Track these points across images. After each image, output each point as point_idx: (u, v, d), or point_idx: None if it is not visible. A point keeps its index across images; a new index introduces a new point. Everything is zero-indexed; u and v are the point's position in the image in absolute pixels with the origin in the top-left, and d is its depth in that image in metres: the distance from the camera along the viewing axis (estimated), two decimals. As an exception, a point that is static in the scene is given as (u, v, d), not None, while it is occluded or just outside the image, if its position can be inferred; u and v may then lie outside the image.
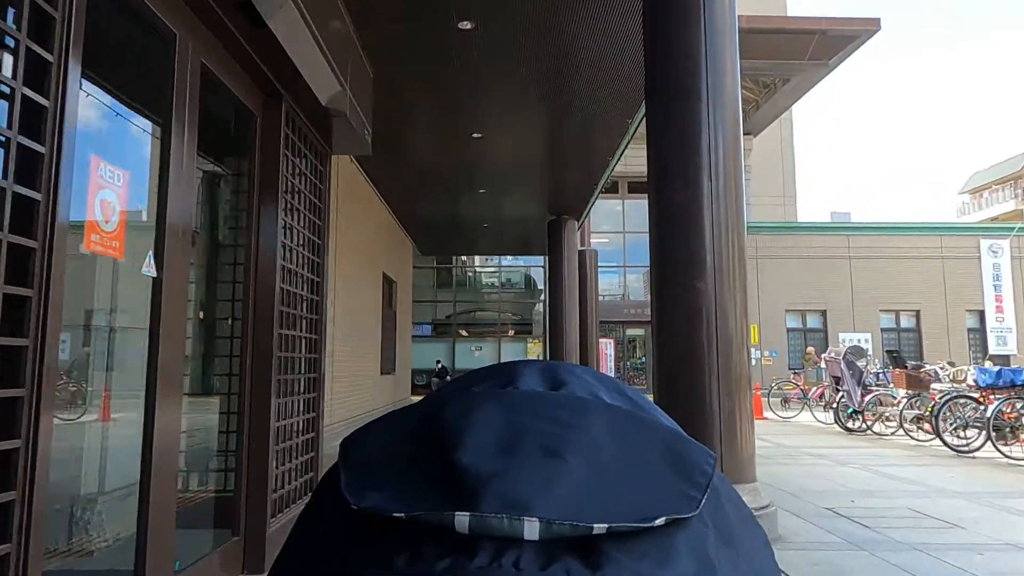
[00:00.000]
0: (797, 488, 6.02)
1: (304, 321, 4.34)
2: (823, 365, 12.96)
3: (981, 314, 20.87)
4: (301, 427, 4.29)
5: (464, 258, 24.18)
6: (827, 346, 20.64)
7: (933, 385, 9.32)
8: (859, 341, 20.79)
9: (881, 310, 20.88)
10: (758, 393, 13.12)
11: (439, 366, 21.49)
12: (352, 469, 0.28)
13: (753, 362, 21.37)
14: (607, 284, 23.52)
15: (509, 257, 24.33)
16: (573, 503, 0.25)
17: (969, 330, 20.93)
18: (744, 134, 19.91)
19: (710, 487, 0.28)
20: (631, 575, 0.24)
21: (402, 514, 0.25)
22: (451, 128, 8.56)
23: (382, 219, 12.11)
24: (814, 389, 12.88)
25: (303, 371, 4.31)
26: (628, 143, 10.22)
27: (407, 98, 7.46)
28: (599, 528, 0.24)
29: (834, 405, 10.88)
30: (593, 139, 9.32)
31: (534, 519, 0.24)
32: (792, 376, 14.75)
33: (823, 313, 20.99)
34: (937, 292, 20.84)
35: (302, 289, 4.30)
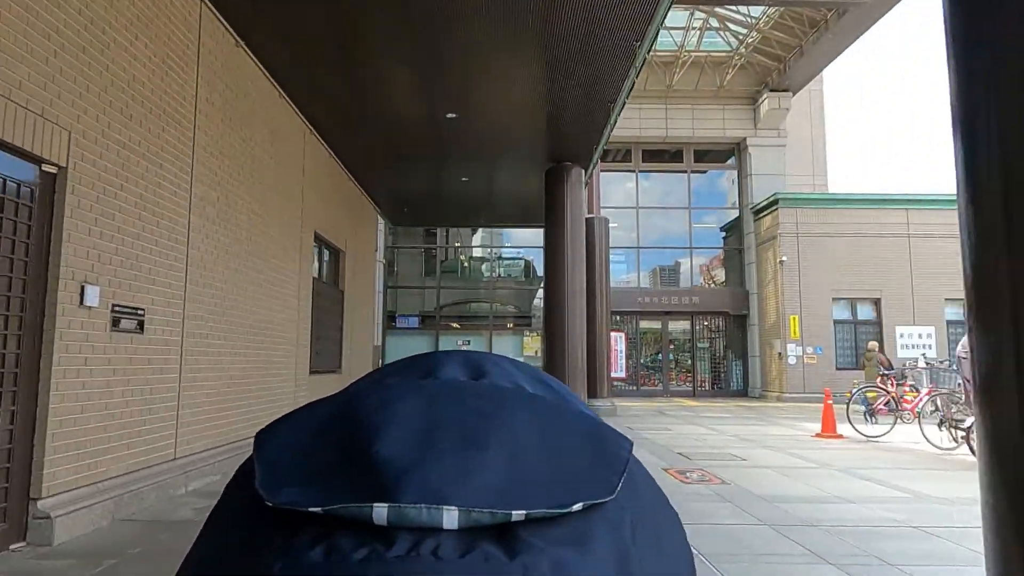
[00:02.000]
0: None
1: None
2: (923, 365, 9.57)
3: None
4: None
5: (458, 243, 20.82)
6: (881, 342, 17.24)
7: None
8: (920, 336, 17.38)
9: (947, 299, 17.42)
10: (828, 402, 9.69)
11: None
12: (266, 464, 0.28)
13: (793, 360, 17.91)
14: (615, 269, 20.13)
15: (506, 245, 20.94)
16: (492, 492, 0.25)
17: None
18: (781, 91, 16.32)
19: (626, 472, 0.28)
20: (549, 560, 0.24)
21: (319, 508, 0.24)
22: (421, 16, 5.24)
23: (317, 158, 8.75)
24: (921, 396, 9.42)
25: None
26: (652, 44, 6.91)
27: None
28: (517, 515, 0.24)
29: (964, 424, 7.45)
30: (600, 38, 6.05)
31: (452, 508, 0.24)
32: (880, 380, 11.29)
33: (876, 302, 17.55)
34: (1014, 278, 17.36)
35: None
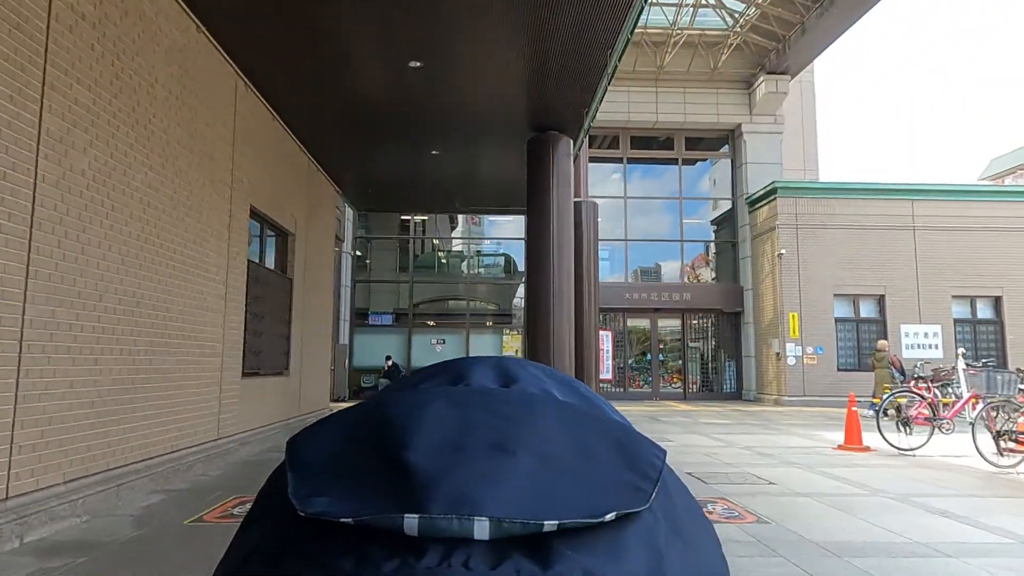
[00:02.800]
0: None
1: None
2: (963, 366, 8.35)
3: (1078, 302, 16.39)
4: None
5: (436, 238, 19.33)
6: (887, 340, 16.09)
7: None
8: (926, 335, 16.28)
9: (954, 296, 16.33)
10: (853, 408, 8.42)
11: (389, 363, 16.66)
12: (298, 472, 0.28)
13: (792, 361, 16.67)
14: (601, 264, 18.80)
15: (486, 238, 19.50)
16: (523, 500, 0.25)
17: (1063, 322, 16.43)
18: (779, 74, 15.06)
19: (660, 481, 0.28)
20: (582, 571, 0.24)
21: (349, 518, 0.24)
22: None
23: (254, 117, 7.25)
24: (962, 402, 8.14)
25: None
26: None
27: None
28: (549, 525, 0.24)
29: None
30: None
31: (484, 518, 0.24)
32: (913, 383, 10.05)
33: (880, 300, 16.41)
34: (1025, 273, 16.34)
35: None
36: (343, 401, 15.71)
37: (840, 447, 8.26)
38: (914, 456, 7.60)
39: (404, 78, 7.21)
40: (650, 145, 19.24)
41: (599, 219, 19.01)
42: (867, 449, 8.04)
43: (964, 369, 8.68)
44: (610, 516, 0.25)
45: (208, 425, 6.31)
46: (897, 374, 12.77)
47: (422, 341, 17.71)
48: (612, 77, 7.55)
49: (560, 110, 8.18)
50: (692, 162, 19.31)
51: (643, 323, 18.66)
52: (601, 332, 17.69)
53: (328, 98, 7.83)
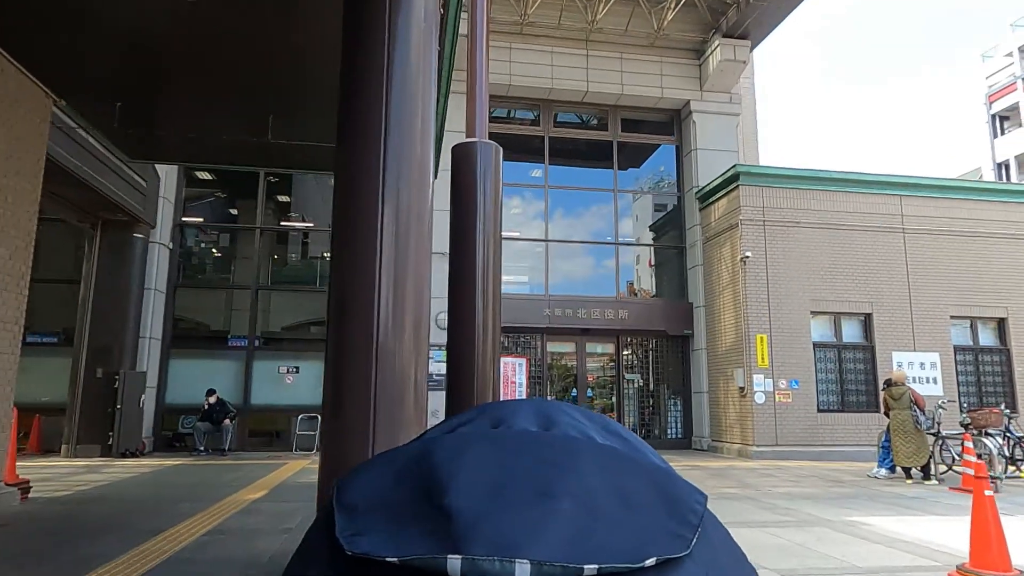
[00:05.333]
0: None
1: None
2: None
3: (1092, 327, 13.37)
4: None
5: (296, 223, 14.58)
6: (874, 372, 12.54)
7: None
8: (923, 366, 12.82)
9: (953, 316, 13.00)
10: (987, 493, 4.28)
11: (212, 400, 11.71)
12: (345, 512, 0.29)
13: (761, 398, 12.19)
14: (515, 270, 14.61)
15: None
16: (564, 544, 0.25)
17: (1075, 351, 13.35)
18: (737, 39, 11.09)
19: (701, 527, 0.28)
20: None
21: (395, 558, 0.25)
22: None
23: None
24: None
25: None
26: None
27: None
28: (589, 569, 0.24)
29: None
30: None
31: (525, 561, 0.24)
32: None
33: (866, 319, 12.87)
34: (1033, 290, 13.23)
35: None
36: (135, 456, 10.62)
37: (967, 569, 4.12)
38: None
39: None
40: (579, 124, 15.36)
41: (516, 209, 14.90)
42: (1014, 572, 3.95)
43: None
44: (650, 562, 0.25)
45: None
46: (923, 418, 9.02)
47: (267, 369, 12.82)
48: None
49: None
50: (631, 150, 15.51)
51: (567, 347, 14.47)
52: (512, 359, 13.39)
53: None
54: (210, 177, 13.50)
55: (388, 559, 0.25)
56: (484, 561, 0.24)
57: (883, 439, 9.55)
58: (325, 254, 13.65)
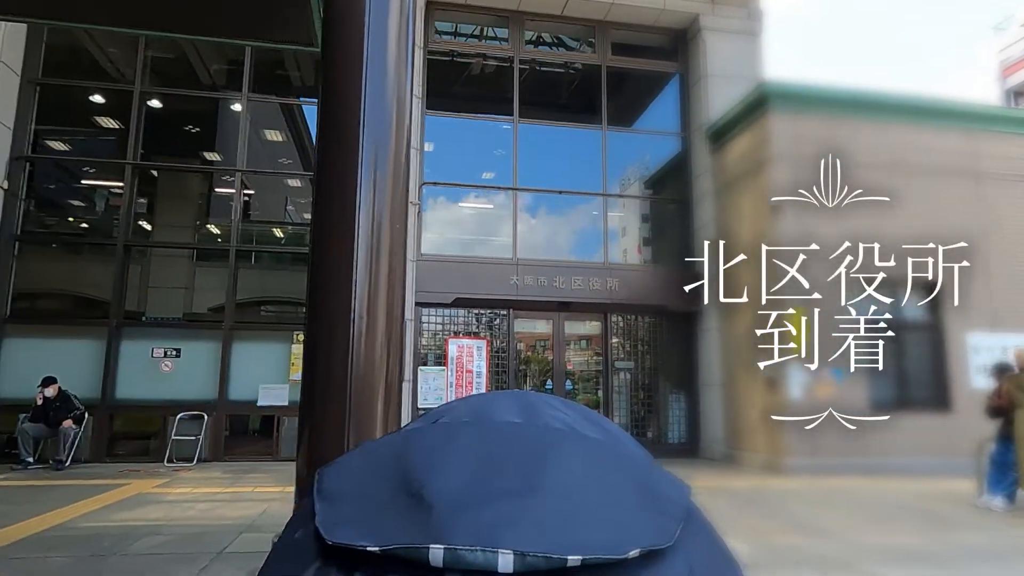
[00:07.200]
0: None
1: None
2: None
3: None
4: None
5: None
6: (941, 356, 9.51)
7: None
8: (1004, 351, 9.70)
9: (1043, 286, 9.95)
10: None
11: (49, 392, 8.46)
12: (326, 502, 0.29)
13: (797, 391, 9.36)
14: (475, 225, 11.44)
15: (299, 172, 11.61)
16: (547, 535, 0.25)
17: None
18: None
19: (685, 519, 0.28)
20: None
21: (376, 548, 0.25)
22: None
23: None
24: None
25: None
26: None
27: None
28: (573, 560, 0.24)
29: None
30: None
31: (508, 552, 0.24)
32: None
33: (929, 289, 9.79)
34: None
35: None
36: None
37: None
38: None
39: None
40: (558, 44, 12.18)
41: (467, 171, 11.67)
42: None
43: None
44: (634, 553, 0.25)
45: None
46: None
47: (137, 352, 9.55)
48: None
49: None
50: (623, 75, 12.33)
51: (543, 327, 11.32)
52: (471, 341, 10.27)
53: None
54: (66, 83, 10.16)
55: (369, 548, 0.24)
56: (466, 551, 0.23)
57: (994, 451, 6.50)
58: (231, 202, 10.35)
